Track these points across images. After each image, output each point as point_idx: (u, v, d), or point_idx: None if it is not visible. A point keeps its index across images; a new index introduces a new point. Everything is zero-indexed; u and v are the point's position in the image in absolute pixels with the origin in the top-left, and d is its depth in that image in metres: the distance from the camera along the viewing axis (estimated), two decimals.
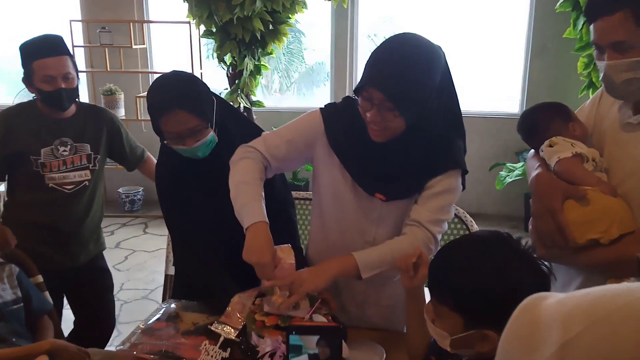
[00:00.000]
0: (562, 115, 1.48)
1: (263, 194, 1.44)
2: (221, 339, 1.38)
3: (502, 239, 1.06)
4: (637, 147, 1.33)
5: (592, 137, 1.47)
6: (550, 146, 1.42)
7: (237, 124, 1.66)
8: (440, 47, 1.33)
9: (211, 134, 1.53)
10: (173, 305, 1.59)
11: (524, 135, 1.55)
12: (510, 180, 4.26)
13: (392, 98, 1.24)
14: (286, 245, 1.41)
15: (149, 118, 1.54)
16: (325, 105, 1.51)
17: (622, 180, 1.35)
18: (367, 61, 1.32)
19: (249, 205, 1.38)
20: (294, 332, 1.16)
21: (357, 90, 1.31)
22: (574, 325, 0.50)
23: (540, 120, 1.50)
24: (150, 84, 1.56)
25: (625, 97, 1.35)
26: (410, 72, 1.25)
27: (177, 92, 1.49)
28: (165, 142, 1.55)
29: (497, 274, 1.01)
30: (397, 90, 1.24)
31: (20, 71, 2.05)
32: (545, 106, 1.54)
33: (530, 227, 1.44)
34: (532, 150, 1.55)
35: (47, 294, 1.93)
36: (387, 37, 1.35)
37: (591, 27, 1.29)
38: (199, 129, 1.51)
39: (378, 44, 1.34)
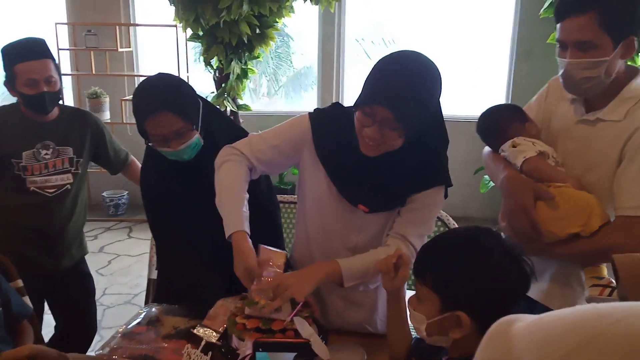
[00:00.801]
0: (519, 117, 1.55)
1: (247, 196, 1.44)
2: (203, 342, 1.38)
3: (491, 233, 1.10)
4: (597, 141, 1.41)
5: (542, 133, 1.55)
6: (514, 146, 1.46)
7: (223, 127, 1.66)
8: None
9: (196, 137, 1.53)
10: (154, 309, 1.58)
11: (485, 136, 1.62)
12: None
13: (401, 119, 1.22)
14: (282, 251, 1.41)
15: (134, 121, 1.54)
16: (313, 110, 1.50)
17: (583, 173, 1.43)
18: (370, 76, 1.28)
19: (230, 214, 1.38)
20: (260, 349, 1.14)
21: (357, 105, 1.29)
22: (553, 350, 0.50)
23: (500, 122, 1.57)
24: (136, 86, 1.56)
25: (582, 93, 1.44)
26: (418, 93, 1.24)
27: (162, 95, 1.49)
28: (150, 144, 1.54)
29: (479, 258, 1.06)
30: (407, 110, 1.22)
31: (2, 74, 2.04)
32: (503, 108, 1.63)
33: (501, 224, 1.48)
34: (487, 150, 1.61)
35: (27, 298, 1.91)
36: (388, 54, 1.31)
37: (558, 25, 1.36)
38: (184, 131, 1.50)
39: (378, 59, 1.29)
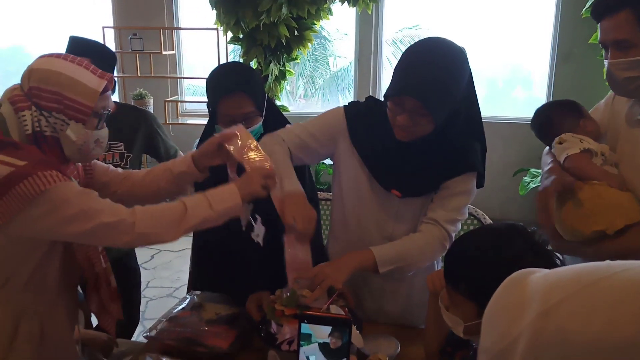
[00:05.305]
0: (573, 113, 1.52)
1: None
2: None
3: (517, 231, 1.09)
4: None
5: (607, 133, 1.51)
6: (560, 143, 1.46)
7: (276, 121, 1.72)
8: (464, 49, 1.37)
9: (260, 124, 1.60)
10: (196, 297, 1.66)
11: (537, 132, 1.60)
12: (534, 185, 4.23)
13: (428, 105, 1.28)
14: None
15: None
16: (349, 103, 1.58)
17: (633, 175, 1.39)
18: (397, 67, 1.35)
19: (287, 179, 1.46)
20: (305, 321, 1.20)
21: (387, 96, 1.36)
22: (553, 296, 0.54)
23: (552, 118, 1.55)
24: (212, 70, 1.63)
25: (627, 94, 1.39)
26: (443, 79, 1.29)
27: (239, 76, 1.56)
28: (217, 125, 1.60)
29: (511, 265, 1.02)
30: (433, 97, 1.28)
31: None
32: (557, 104, 1.60)
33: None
34: (547, 147, 1.59)
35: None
36: (414, 42, 1.38)
37: (598, 26, 1.34)
38: (252, 116, 1.57)
39: (405, 49, 1.37)
